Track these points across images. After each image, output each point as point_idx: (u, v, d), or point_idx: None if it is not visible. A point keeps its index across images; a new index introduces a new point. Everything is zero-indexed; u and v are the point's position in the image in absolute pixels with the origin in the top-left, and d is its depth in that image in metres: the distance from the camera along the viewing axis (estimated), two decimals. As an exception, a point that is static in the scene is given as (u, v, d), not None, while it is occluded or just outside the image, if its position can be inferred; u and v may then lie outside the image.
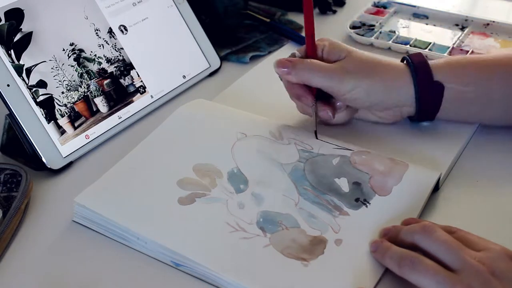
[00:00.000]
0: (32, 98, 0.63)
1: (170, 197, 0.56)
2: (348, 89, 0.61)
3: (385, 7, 0.92)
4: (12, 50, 0.63)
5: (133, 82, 0.71)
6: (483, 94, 0.61)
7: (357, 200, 0.56)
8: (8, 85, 0.61)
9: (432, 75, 0.61)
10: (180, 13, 0.78)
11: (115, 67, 0.70)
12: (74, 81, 0.66)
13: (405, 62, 0.64)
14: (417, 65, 0.61)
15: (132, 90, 0.71)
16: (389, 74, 0.62)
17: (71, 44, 0.67)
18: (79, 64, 0.67)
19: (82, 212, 0.56)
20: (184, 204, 0.56)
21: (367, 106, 0.63)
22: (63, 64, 0.66)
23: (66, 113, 0.65)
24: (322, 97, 0.64)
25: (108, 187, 0.58)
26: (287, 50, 0.83)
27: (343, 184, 0.57)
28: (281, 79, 0.65)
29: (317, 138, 0.62)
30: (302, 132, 0.64)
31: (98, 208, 0.55)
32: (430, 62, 0.62)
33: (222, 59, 0.81)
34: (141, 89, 0.72)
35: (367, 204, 0.56)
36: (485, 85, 0.61)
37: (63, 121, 0.64)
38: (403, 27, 0.88)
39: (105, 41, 0.70)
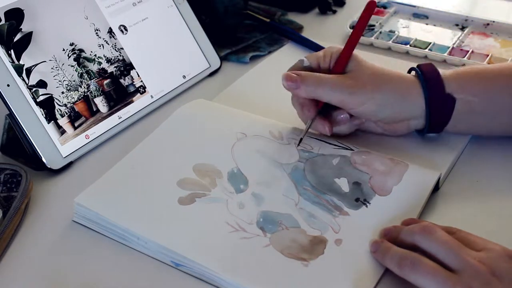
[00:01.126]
0: (32, 98, 0.63)
1: (170, 197, 0.56)
2: (359, 103, 0.60)
3: (385, 7, 0.92)
4: (12, 50, 0.63)
5: (133, 82, 0.71)
6: (491, 105, 0.60)
7: (357, 200, 0.56)
8: (8, 85, 0.61)
9: (444, 87, 0.60)
10: (180, 13, 0.78)
11: (115, 67, 0.70)
12: (74, 81, 0.66)
13: (415, 73, 0.63)
14: (428, 77, 0.60)
15: (132, 90, 0.71)
16: (400, 87, 0.60)
17: (71, 44, 0.67)
18: (79, 64, 0.67)
19: (82, 212, 0.56)
20: (184, 204, 0.56)
21: (377, 120, 0.62)
22: (63, 64, 0.66)
23: (66, 113, 0.65)
24: (327, 107, 0.63)
25: (108, 187, 0.58)
26: (287, 50, 0.83)
27: (343, 184, 0.57)
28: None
29: (297, 146, 0.61)
30: (302, 133, 0.63)
31: (98, 208, 0.55)
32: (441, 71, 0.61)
33: (222, 59, 0.81)
34: (141, 89, 0.72)
35: (367, 204, 0.56)
36: (492, 96, 0.60)
37: (63, 121, 0.64)
38: (403, 27, 0.88)
39: (105, 41, 0.70)
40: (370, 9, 0.63)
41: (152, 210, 0.55)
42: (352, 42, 0.62)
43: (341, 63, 0.62)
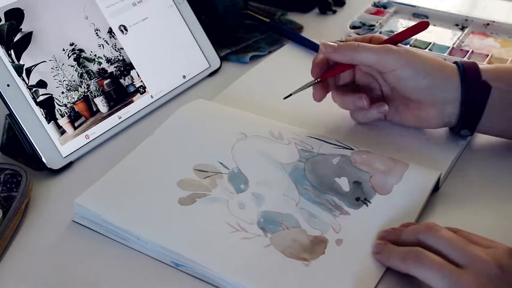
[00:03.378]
0: (32, 98, 0.63)
1: (170, 197, 0.56)
2: (395, 65, 0.60)
3: (385, 7, 0.92)
4: (12, 50, 0.62)
5: (133, 82, 0.71)
6: None
7: (357, 199, 0.56)
8: (8, 85, 0.61)
9: (480, 74, 0.59)
10: (180, 13, 0.78)
11: (115, 67, 0.70)
12: (74, 81, 0.66)
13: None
14: (466, 65, 0.61)
15: (132, 90, 0.71)
16: (439, 63, 0.61)
17: (71, 44, 0.67)
18: (79, 64, 0.67)
19: (82, 213, 0.56)
20: (185, 204, 0.56)
21: (411, 92, 0.61)
22: (63, 64, 0.66)
23: (66, 113, 0.65)
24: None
25: (109, 189, 0.58)
26: (287, 50, 0.83)
27: (344, 184, 0.57)
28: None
29: (284, 99, 0.64)
30: (302, 132, 0.64)
31: (99, 209, 0.55)
32: (479, 64, 0.61)
33: (222, 59, 0.81)
34: (141, 89, 0.72)
35: (368, 203, 0.55)
36: None
37: (63, 121, 0.64)
38: (403, 27, 0.88)
39: (105, 41, 0.70)
40: (420, 28, 0.65)
41: (152, 210, 0.55)
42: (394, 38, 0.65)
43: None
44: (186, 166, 0.60)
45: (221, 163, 0.60)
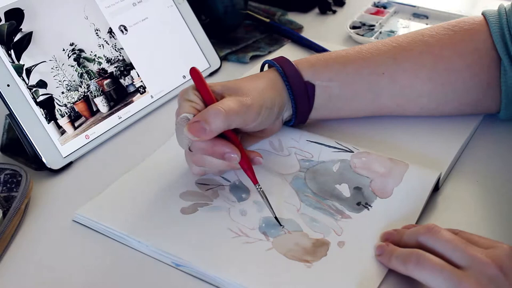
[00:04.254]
0: (32, 98, 0.63)
1: (172, 207, 0.56)
2: (255, 116, 0.57)
3: (385, 7, 0.92)
4: (12, 50, 0.62)
5: (133, 82, 0.71)
6: (346, 89, 0.63)
7: (358, 204, 0.56)
8: (8, 85, 0.61)
9: (302, 76, 0.62)
10: (180, 13, 0.78)
11: (115, 67, 0.70)
12: (74, 81, 0.66)
13: (272, 68, 0.63)
14: (286, 70, 0.61)
15: (132, 90, 0.71)
16: (263, 81, 0.60)
17: (71, 44, 0.67)
18: (79, 64, 0.67)
19: (83, 222, 0.56)
20: (187, 213, 0.56)
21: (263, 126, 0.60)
22: (63, 64, 0.66)
23: (66, 113, 0.65)
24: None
25: (111, 201, 0.58)
26: (287, 50, 0.83)
27: (344, 190, 0.58)
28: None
29: (280, 225, 0.54)
30: (302, 135, 0.63)
31: (101, 218, 0.55)
32: (293, 62, 0.63)
33: (222, 59, 0.81)
34: (141, 89, 0.72)
35: (369, 207, 0.56)
36: (344, 80, 0.63)
37: (63, 121, 0.64)
38: (403, 27, 0.88)
39: (105, 41, 0.70)
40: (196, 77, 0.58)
41: (154, 219, 0.55)
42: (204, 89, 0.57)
43: (210, 96, 0.57)
44: (188, 181, 0.60)
45: (222, 176, 0.60)
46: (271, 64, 0.63)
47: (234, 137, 0.56)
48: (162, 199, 0.58)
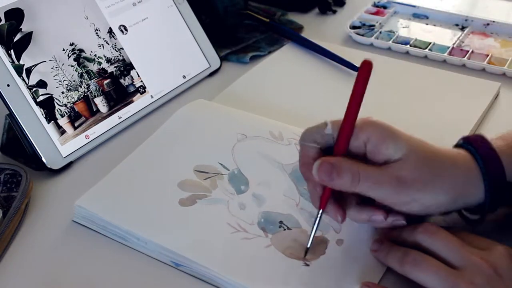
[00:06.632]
0: (32, 98, 0.62)
1: (171, 199, 0.56)
2: (405, 202, 0.48)
3: (385, 7, 0.92)
4: (12, 50, 0.62)
5: (133, 82, 0.71)
6: None
7: (358, 200, 0.56)
8: (8, 85, 0.61)
9: (505, 175, 0.49)
10: (180, 13, 0.78)
11: (115, 67, 0.70)
12: (74, 81, 0.66)
13: (466, 151, 0.50)
14: (488, 163, 0.49)
15: (132, 90, 0.71)
16: (456, 179, 0.49)
17: (71, 44, 0.67)
18: (79, 64, 0.67)
19: (83, 214, 0.56)
20: (185, 205, 0.56)
21: (422, 214, 0.50)
22: (63, 64, 0.66)
23: (66, 113, 0.65)
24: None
25: (109, 190, 0.58)
26: (287, 50, 0.83)
27: None
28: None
29: (304, 257, 0.51)
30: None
31: (99, 210, 0.55)
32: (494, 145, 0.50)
33: (222, 59, 0.81)
34: (141, 89, 0.72)
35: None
36: None
37: (63, 121, 0.64)
38: (403, 27, 0.88)
39: (105, 41, 0.70)
40: (367, 72, 0.48)
41: (152, 211, 0.55)
42: (351, 114, 0.49)
43: (343, 142, 0.49)
44: (186, 167, 0.60)
45: (221, 164, 0.60)
46: (466, 147, 0.51)
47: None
48: (160, 189, 0.57)
